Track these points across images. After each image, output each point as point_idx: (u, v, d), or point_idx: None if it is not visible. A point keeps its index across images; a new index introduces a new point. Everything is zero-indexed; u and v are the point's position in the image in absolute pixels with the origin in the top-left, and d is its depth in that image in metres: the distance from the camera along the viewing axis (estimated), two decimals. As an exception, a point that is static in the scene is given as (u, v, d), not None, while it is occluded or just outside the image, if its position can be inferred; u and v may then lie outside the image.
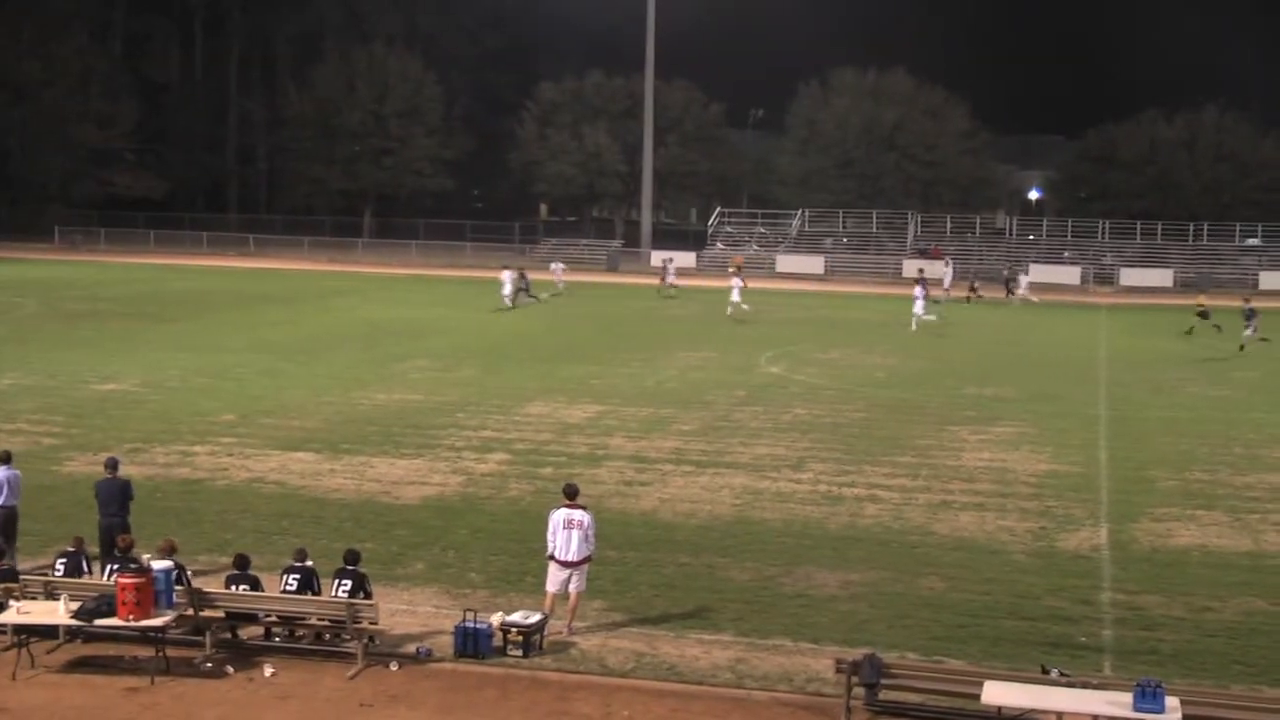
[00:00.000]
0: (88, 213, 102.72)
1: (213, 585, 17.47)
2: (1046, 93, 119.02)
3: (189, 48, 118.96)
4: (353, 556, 17.53)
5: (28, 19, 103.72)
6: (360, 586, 17.10)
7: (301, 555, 17.76)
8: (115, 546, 17.69)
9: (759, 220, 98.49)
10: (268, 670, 16.31)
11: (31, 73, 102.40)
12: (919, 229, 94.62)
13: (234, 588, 17.19)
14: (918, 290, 56.50)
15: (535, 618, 17.24)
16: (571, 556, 17.87)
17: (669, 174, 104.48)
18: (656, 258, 77.68)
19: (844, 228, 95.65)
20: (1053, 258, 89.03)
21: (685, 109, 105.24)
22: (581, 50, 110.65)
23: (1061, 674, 15.23)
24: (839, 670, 15.53)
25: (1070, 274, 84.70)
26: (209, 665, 16.43)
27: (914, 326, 54.40)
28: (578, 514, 18.08)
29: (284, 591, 17.17)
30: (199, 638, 16.83)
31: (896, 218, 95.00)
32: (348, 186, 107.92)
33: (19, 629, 16.26)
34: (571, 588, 17.90)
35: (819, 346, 48.78)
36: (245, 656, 16.73)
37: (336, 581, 17.16)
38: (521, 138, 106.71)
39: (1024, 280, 69.98)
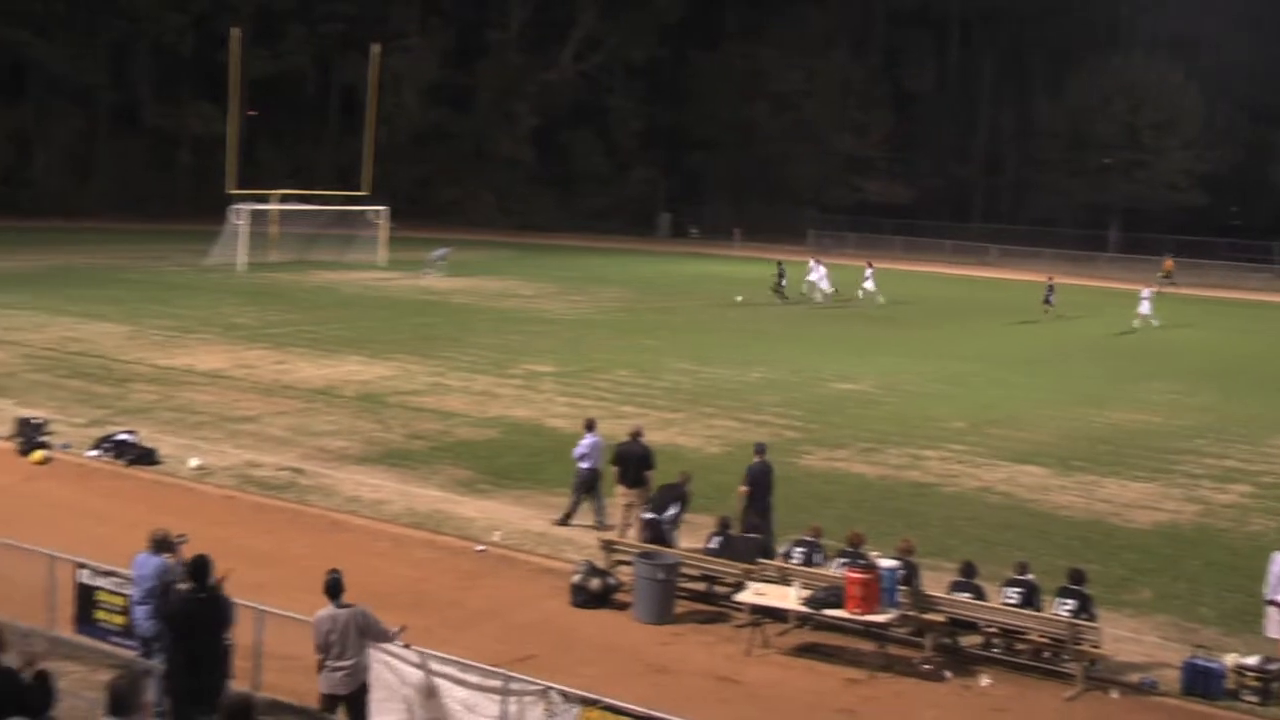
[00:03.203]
0: (838, 218, 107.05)
1: (935, 589, 17.66)
2: None
3: (944, 59, 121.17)
4: (1078, 576, 17.13)
5: (795, 35, 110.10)
6: (1084, 607, 16.67)
7: (1023, 569, 17.57)
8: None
9: None
10: (984, 680, 16.27)
11: (795, 84, 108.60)
12: None
13: (957, 594, 17.29)
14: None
15: (1277, 665, 16.11)
16: (1297, 604, 16.56)
17: None
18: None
19: None
20: None
21: None
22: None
23: None
24: None
25: None
26: (928, 667, 16.61)
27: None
28: (1310, 558, 16.73)
29: (1005, 604, 17.06)
30: (919, 639, 17.06)
31: None
32: (1094, 199, 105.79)
33: (755, 609, 17.20)
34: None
35: None
36: (963, 664, 16.77)
37: (1059, 599, 16.84)
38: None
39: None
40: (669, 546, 19.09)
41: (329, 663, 13.12)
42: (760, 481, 20.52)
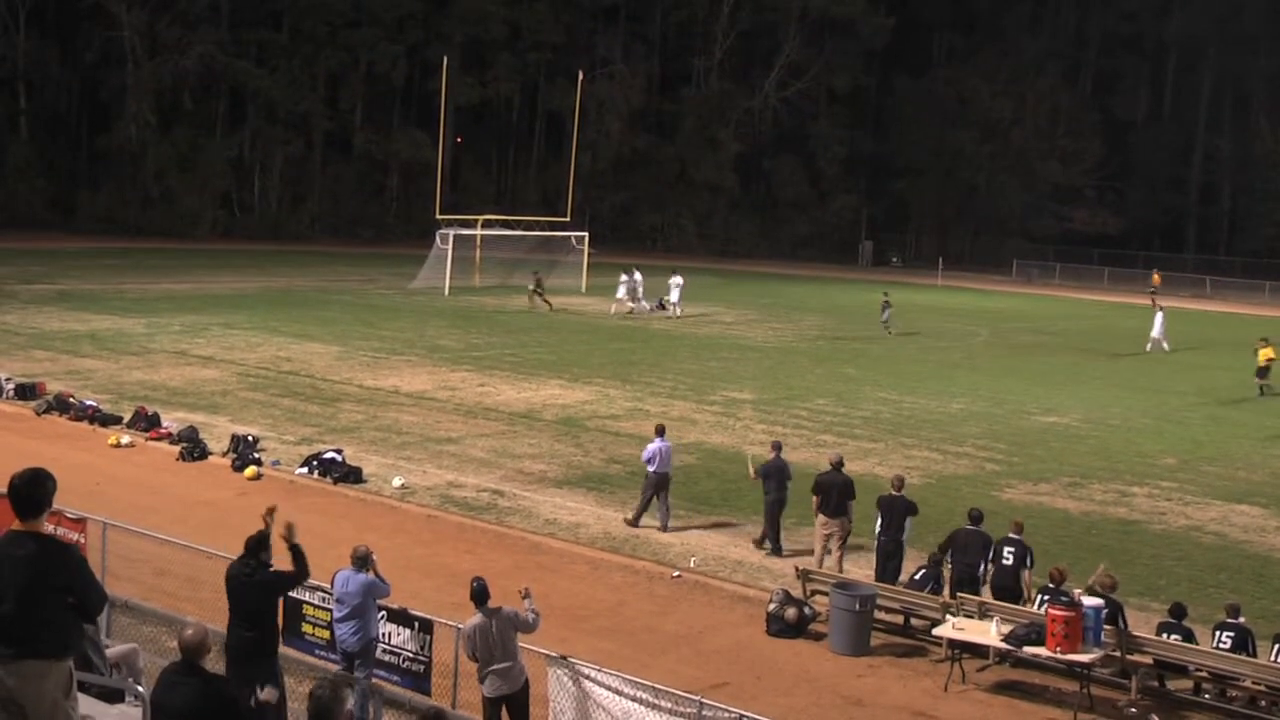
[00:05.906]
0: (1044, 247, 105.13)
1: (1142, 630, 17.12)
2: None
3: (1159, 85, 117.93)
4: (1295, 622, 16.49)
5: (1004, 61, 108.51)
6: (1303, 655, 16.03)
7: (1235, 611, 16.94)
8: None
9: None
10: (1194, 727, 15.75)
11: (1002, 112, 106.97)
12: None
13: (1165, 636, 16.74)
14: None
15: None
16: None
17: None
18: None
19: None
20: None
21: None
22: None
23: None
24: None
25: None
26: (1133, 711, 16.10)
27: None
28: None
29: (1216, 648, 16.47)
30: (1125, 681, 16.56)
31: None
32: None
33: (954, 644, 16.90)
34: None
35: None
36: (1171, 708, 16.22)
37: (1277, 646, 16.19)
38: None
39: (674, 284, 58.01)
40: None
41: (492, 666, 13.40)
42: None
